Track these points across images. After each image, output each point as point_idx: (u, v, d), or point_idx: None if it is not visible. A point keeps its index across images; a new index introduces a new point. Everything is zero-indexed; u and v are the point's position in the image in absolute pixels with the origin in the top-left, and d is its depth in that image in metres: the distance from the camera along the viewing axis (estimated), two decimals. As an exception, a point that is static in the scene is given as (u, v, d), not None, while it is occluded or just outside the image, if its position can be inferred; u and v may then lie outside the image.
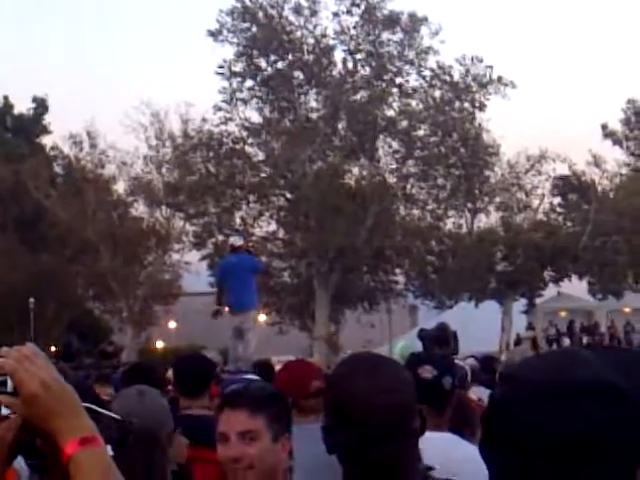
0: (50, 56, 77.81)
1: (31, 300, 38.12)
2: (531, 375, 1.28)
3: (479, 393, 7.10)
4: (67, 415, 1.78)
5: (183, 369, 5.19)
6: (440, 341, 9.02)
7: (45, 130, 48.86)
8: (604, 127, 45.92)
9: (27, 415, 1.79)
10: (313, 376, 4.18)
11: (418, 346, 9.36)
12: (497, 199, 43.21)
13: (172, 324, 49.67)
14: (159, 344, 47.16)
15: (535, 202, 44.01)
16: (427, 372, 3.67)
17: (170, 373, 8.51)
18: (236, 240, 13.87)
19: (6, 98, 48.32)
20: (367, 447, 2.12)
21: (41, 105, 48.74)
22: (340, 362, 2.40)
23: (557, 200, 44.96)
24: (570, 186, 44.45)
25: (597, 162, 44.21)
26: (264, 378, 6.23)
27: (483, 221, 43.72)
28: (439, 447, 3.11)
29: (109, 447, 1.85)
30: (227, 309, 13.21)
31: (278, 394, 3.09)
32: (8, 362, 1.78)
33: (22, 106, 48.51)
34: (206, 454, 3.61)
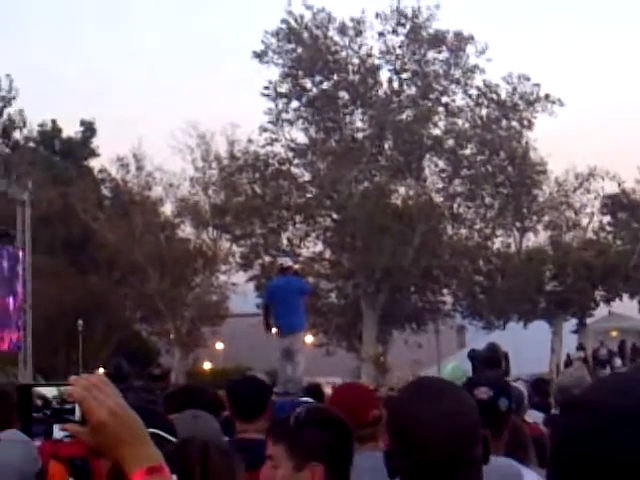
0: (98, 80, 78.58)
1: (79, 322, 38.31)
2: (615, 401, 1.19)
3: (532, 416, 6.96)
4: (134, 444, 1.78)
5: (239, 392, 5.05)
6: (491, 362, 8.82)
7: (93, 153, 49.32)
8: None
9: (95, 443, 1.79)
10: (370, 404, 4.00)
11: (468, 367, 9.17)
12: (546, 218, 42.83)
13: (219, 345, 49.68)
14: (206, 365, 47.19)
15: (584, 220, 43.58)
16: (483, 393, 3.59)
17: (221, 394, 8.44)
18: (286, 261, 13.81)
19: (54, 122, 48.85)
20: (429, 473, 2.07)
21: (89, 128, 49.21)
22: (404, 386, 2.36)
23: (607, 218, 44.45)
24: (619, 204, 43.94)
25: (646, 180, 43.66)
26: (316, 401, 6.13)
27: (532, 240, 43.39)
28: (497, 472, 3.04)
29: (175, 476, 1.84)
30: (275, 331, 13.15)
31: (319, 420, 2.95)
32: (77, 390, 1.78)
33: (70, 129, 49.03)
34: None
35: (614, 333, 45.75)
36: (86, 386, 1.80)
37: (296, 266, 15.26)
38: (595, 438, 1.17)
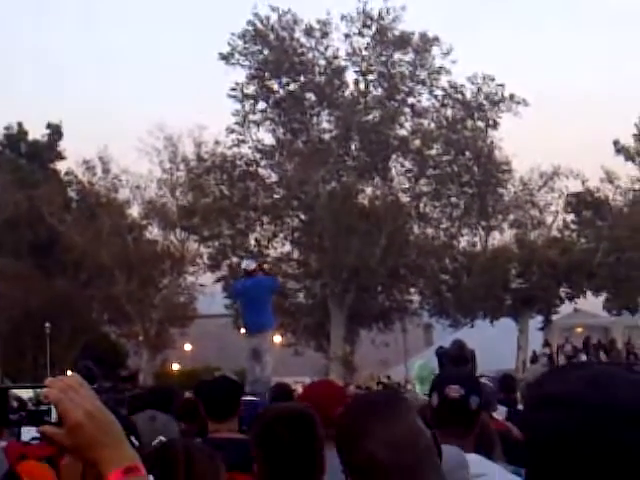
0: (65, 82, 78.18)
1: (47, 325, 38.17)
2: (588, 395, 1.25)
3: (497, 412, 7.08)
4: (111, 445, 1.78)
5: (210, 393, 5.09)
6: (459, 359, 8.92)
7: (60, 156, 48.99)
8: (616, 143, 45.80)
9: (71, 445, 1.79)
10: (336, 402, 3.94)
11: (435, 364, 9.33)
12: (511, 216, 43.15)
13: (188, 346, 49.66)
14: (175, 366, 47.17)
15: (549, 219, 43.98)
16: (454, 392, 3.63)
17: (188, 395, 8.52)
18: (249, 264, 13.77)
19: (20, 124, 48.56)
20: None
21: (56, 131, 48.94)
22: (350, 405, 2.40)
23: (571, 217, 44.84)
24: (584, 203, 44.32)
25: (610, 178, 44.08)
26: (283, 401, 6.22)
27: (497, 239, 43.71)
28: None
29: (151, 477, 1.85)
30: (243, 331, 13.27)
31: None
32: (53, 392, 1.79)
33: (37, 132, 48.76)
34: (237, 477, 3.61)
35: (579, 329, 46.16)
36: (62, 388, 1.81)
37: (265, 265, 15.34)
38: (574, 434, 1.21)
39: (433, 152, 41.76)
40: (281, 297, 40.88)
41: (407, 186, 42.54)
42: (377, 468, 2.15)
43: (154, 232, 44.28)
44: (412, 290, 44.03)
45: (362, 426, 2.23)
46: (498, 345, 39.58)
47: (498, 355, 36.47)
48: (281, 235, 42.71)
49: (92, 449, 1.77)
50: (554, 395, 1.28)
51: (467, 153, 41.15)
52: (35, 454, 4.80)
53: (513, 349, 42.66)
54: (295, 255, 43.14)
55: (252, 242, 42.21)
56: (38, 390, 1.92)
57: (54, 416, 1.82)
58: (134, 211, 44.18)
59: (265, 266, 15.08)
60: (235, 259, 41.58)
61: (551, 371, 1.43)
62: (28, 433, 6.53)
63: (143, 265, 41.21)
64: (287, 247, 43.09)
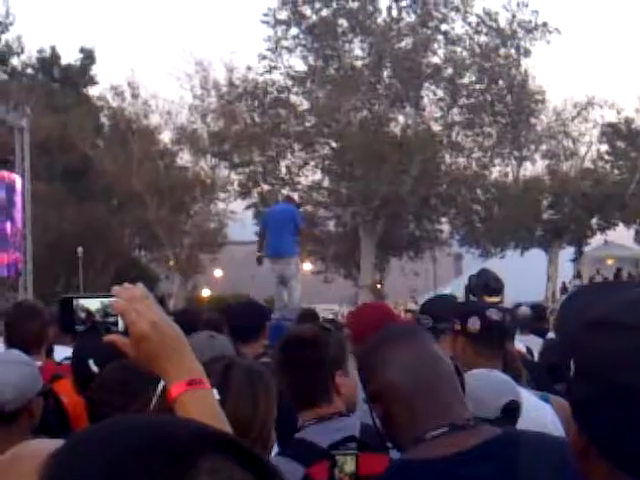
0: (97, 7, 77.90)
1: (79, 249, 38.53)
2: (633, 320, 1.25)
3: (532, 341, 7.19)
4: (175, 356, 1.81)
5: (236, 315, 5.15)
6: (492, 290, 8.94)
7: (92, 81, 49.04)
8: (653, 73, 45.14)
9: (136, 355, 1.83)
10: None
11: (462, 295, 9.36)
12: (543, 147, 42.79)
13: (218, 272, 50.04)
14: (205, 292, 47.61)
15: (582, 150, 43.59)
16: (495, 315, 3.83)
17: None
18: (289, 192, 14.21)
19: (53, 48, 48.56)
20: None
21: (88, 56, 48.90)
22: (373, 336, 2.42)
23: (604, 147, 44.46)
24: (618, 133, 43.91)
25: (645, 109, 43.57)
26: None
27: (529, 169, 43.42)
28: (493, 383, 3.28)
29: (215, 390, 1.87)
30: (268, 257, 13.40)
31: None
32: (119, 302, 1.82)
33: (70, 57, 48.71)
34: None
35: (610, 261, 46.10)
36: (128, 298, 1.82)
37: (297, 201, 15.47)
38: (621, 357, 1.22)
39: (466, 80, 41.30)
40: (311, 225, 41.08)
41: (439, 115, 42.18)
42: (396, 394, 2.20)
43: (185, 158, 44.41)
44: (443, 220, 43.95)
45: (379, 356, 2.28)
46: (528, 276, 39.60)
47: (527, 286, 36.53)
48: (312, 163, 42.57)
49: (157, 360, 1.80)
50: (600, 317, 1.28)
51: (500, 82, 40.69)
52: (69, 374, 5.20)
53: (542, 280, 42.64)
54: (326, 183, 43.06)
55: (283, 169, 42.15)
56: (105, 301, 2.00)
57: (120, 326, 1.86)
58: (165, 137, 44.32)
59: (298, 201, 15.23)
60: (266, 186, 41.70)
61: (593, 291, 1.42)
62: (61, 353, 6.58)
63: (174, 191, 41.38)
64: (318, 175, 43.00)
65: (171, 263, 42.90)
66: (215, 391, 1.87)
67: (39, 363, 4.62)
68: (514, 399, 3.23)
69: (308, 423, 3.08)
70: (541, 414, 3.40)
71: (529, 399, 3.50)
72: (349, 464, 2.93)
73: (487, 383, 3.21)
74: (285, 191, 12.85)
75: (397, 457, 2.35)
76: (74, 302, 2.07)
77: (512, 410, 3.16)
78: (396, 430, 2.23)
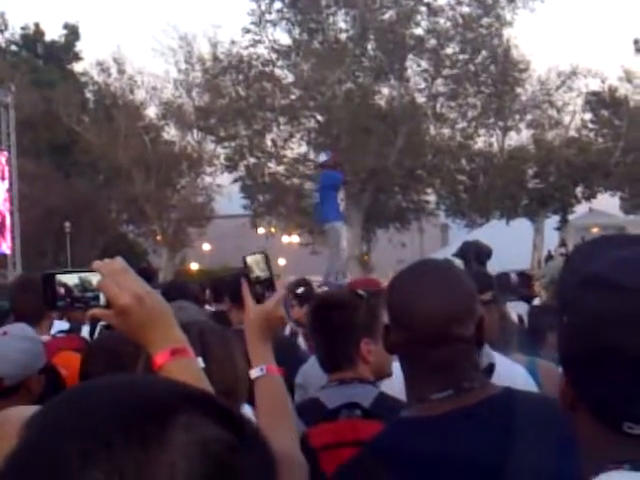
0: (79, -18, 77.56)
1: (67, 224, 38.57)
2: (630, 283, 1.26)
3: (521, 307, 7.41)
4: (159, 327, 1.84)
5: (238, 282, 5.21)
6: (481, 258, 9.10)
7: (76, 57, 48.93)
8: (636, 42, 45.20)
9: (120, 327, 1.86)
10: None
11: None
12: (528, 117, 42.84)
13: (206, 246, 50.14)
14: (194, 266, 47.73)
15: (566, 119, 43.64)
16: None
17: (208, 293, 8.84)
18: (321, 156, 14.38)
19: (37, 25, 48.42)
20: (415, 348, 2.16)
21: (73, 32, 48.78)
22: (404, 268, 2.35)
23: (589, 116, 44.57)
24: (602, 102, 43.99)
25: (629, 77, 43.63)
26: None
27: (514, 139, 43.49)
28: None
29: (200, 359, 1.94)
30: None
31: None
32: (100, 277, 1.85)
33: (54, 33, 48.58)
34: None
35: (595, 229, 46.15)
36: (109, 272, 1.83)
37: (335, 160, 15.47)
38: (618, 316, 1.24)
39: (449, 51, 41.37)
40: (297, 198, 41.21)
41: (423, 86, 42.27)
42: (414, 317, 2.16)
43: (171, 133, 44.41)
44: (428, 191, 44.08)
45: (403, 282, 2.26)
46: (513, 245, 39.76)
47: (513, 255, 36.67)
48: (298, 136, 42.63)
49: (140, 331, 1.83)
50: (595, 275, 1.29)
51: (483, 52, 40.80)
52: (69, 346, 5.13)
53: (528, 249, 42.83)
54: (312, 156, 43.14)
55: (269, 143, 42.21)
56: (83, 275, 1.98)
57: (102, 300, 1.88)
58: (151, 112, 44.30)
59: (333, 160, 15.18)
60: (252, 160, 41.78)
61: (588, 249, 1.42)
62: (56, 326, 6.70)
63: (161, 166, 41.38)
64: (304, 148, 43.08)
65: (159, 237, 42.97)
66: (200, 359, 1.96)
67: (44, 338, 4.70)
68: (491, 362, 3.33)
69: (328, 385, 3.17)
70: (513, 377, 3.36)
71: (502, 362, 3.56)
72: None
73: None
74: (320, 156, 12.80)
75: None
76: (55, 278, 2.05)
77: (487, 372, 3.18)
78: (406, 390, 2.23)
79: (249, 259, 2.42)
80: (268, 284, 2.42)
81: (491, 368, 3.31)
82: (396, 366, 2.55)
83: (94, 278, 1.89)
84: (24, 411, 1.73)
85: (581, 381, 1.32)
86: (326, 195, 13.61)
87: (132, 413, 0.90)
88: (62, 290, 2.02)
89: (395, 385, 2.46)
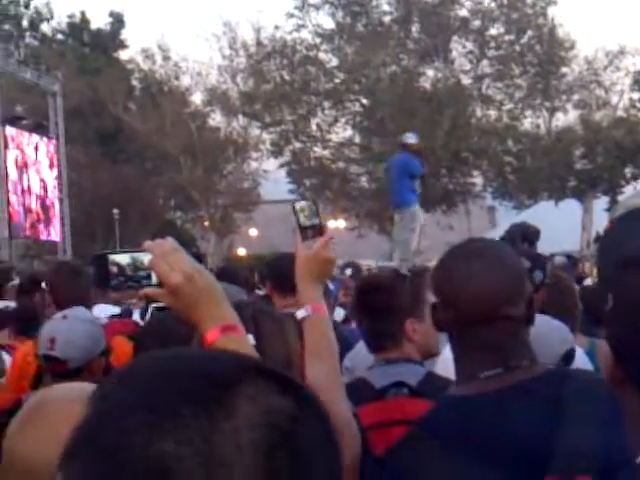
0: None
1: (115, 211, 38.91)
2: None
3: None
4: (209, 305, 1.86)
5: (281, 267, 5.01)
6: (530, 238, 9.05)
7: (122, 45, 49.19)
8: (685, 18, 44.53)
9: (172, 306, 1.90)
10: None
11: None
12: (575, 97, 42.42)
13: (253, 232, 50.26)
14: (241, 251, 47.87)
15: (614, 99, 43.16)
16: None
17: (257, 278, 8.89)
18: (406, 137, 14.04)
19: (83, 13, 48.75)
20: (464, 328, 2.17)
21: (118, 20, 49.06)
22: (451, 247, 2.36)
23: (637, 96, 43.98)
24: (650, 80, 43.42)
25: (678, 55, 43.02)
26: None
27: (561, 120, 43.10)
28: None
29: (251, 336, 1.96)
30: None
31: None
32: (152, 256, 1.87)
33: (99, 21, 48.87)
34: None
35: (644, 210, 45.80)
36: (160, 252, 1.85)
37: (418, 147, 15.16)
38: None
39: (494, 32, 41.09)
40: (344, 182, 41.19)
41: (469, 68, 42.02)
42: (462, 296, 2.16)
43: (217, 119, 44.56)
44: (475, 173, 43.84)
45: (451, 260, 2.26)
46: (562, 226, 39.43)
47: (562, 236, 36.37)
48: (343, 120, 42.57)
49: (192, 309, 1.86)
50: (637, 255, 1.30)
51: (529, 32, 40.43)
52: (123, 329, 5.31)
53: (576, 231, 42.45)
54: (357, 140, 43.09)
55: (314, 127, 42.21)
56: (135, 255, 2.01)
57: (154, 279, 1.93)
58: (197, 99, 44.48)
59: (417, 145, 14.92)
60: (298, 144, 41.81)
61: (626, 225, 1.43)
62: (104, 311, 6.75)
63: (207, 152, 41.54)
64: (349, 132, 43.03)
65: (206, 223, 43.19)
66: (250, 336, 1.98)
67: (104, 320, 4.88)
68: (572, 347, 3.29)
69: (375, 365, 3.20)
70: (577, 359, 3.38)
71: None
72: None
73: (549, 330, 3.19)
74: (405, 136, 12.41)
75: None
76: (108, 258, 2.09)
77: (569, 358, 3.20)
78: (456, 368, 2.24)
79: (297, 206, 2.49)
80: (317, 230, 2.46)
81: (571, 354, 3.27)
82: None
83: (146, 258, 1.92)
84: (62, 391, 1.77)
85: (629, 360, 1.33)
86: (402, 178, 13.32)
87: (197, 384, 0.91)
88: (115, 269, 2.06)
89: (449, 367, 2.41)
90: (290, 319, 2.54)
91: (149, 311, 6.05)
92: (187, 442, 0.87)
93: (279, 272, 4.94)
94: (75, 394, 1.63)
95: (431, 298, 2.36)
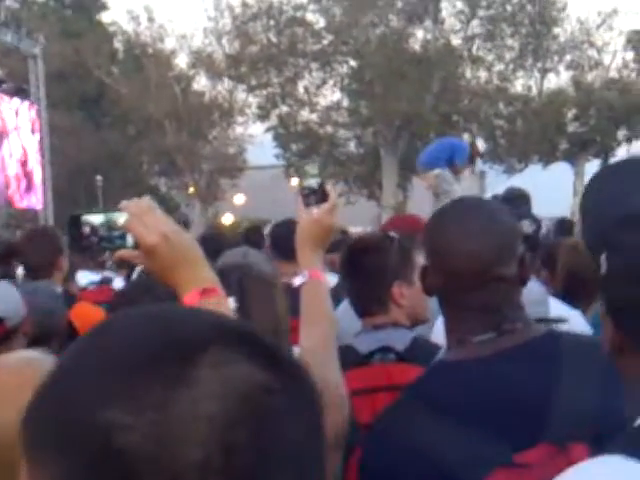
0: None
1: (98, 178, 38.49)
2: None
3: None
4: (188, 266, 1.80)
5: (282, 233, 5.06)
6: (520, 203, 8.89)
7: (104, 7, 48.69)
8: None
9: (149, 268, 1.85)
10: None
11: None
12: (567, 57, 41.98)
13: (239, 198, 49.76)
14: (227, 218, 47.38)
15: (607, 59, 42.67)
16: (527, 227, 3.92)
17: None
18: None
19: (64, -25, 48.04)
20: (455, 289, 2.10)
21: (99, -19, 48.46)
22: (442, 206, 2.30)
23: (630, 56, 43.50)
24: (643, 40, 42.93)
25: (672, 14, 42.59)
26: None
27: (553, 81, 42.65)
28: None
29: (231, 299, 1.90)
30: None
31: None
32: (127, 216, 1.81)
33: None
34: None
35: (637, 173, 45.53)
36: (136, 211, 1.79)
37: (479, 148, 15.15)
38: None
39: (485, -9, 40.57)
40: (332, 146, 40.70)
41: (459, 27, 41.44)
42: (454, 256, 2.09)
43: (202, 83, 44.00)
44: (465, 136, 43.37)
45: (441, 222, 2.21)
46: (552, 190, 39.09)
47: (553, 201, 36.04)
48: (330, 82, 42.03)
49: (169, 271, 1.80)
50: (635, 212, 1.23)
51: (520, -9, 39.93)
52: (92, 299, 5.19)
53: (568, 194, 42.11)
54: (345, 103, 42.56)
55: (301, 90, 41.69)
56: (110, 215, 1.98)
57: (130, 240, 1.85)
58: (181, 62, 43.88)
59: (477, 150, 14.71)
60: (285, 108, 41.31)
61: (624, 178, 1.39)
62: (85, 278, 6.48)
63: (192, 116, 41.09)
64: (337, 95, 42.53)
65: (191, 190, 42.77)
66: (231, 299, 1.90)
67: (60, 289, 4.69)
68: (545, 316, 3.18)
69: (361, 331, 3.09)
70: (570, 323, 3.37)
71: (557, 308, 3.53)
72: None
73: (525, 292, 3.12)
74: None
75: None
76: (81, 219, 2.06)
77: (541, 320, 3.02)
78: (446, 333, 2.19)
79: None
80: (320, 196, 2.42)
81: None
82: None
83: (121, 218, 1.82)
84: (13, 358, 1.71)
85: (629, 324, 1.30)
86: (444, 152, 12.56)
87: (156, 348, 0.86)
88: (87, 230, 2.02)
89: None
90: (281, 286, 2.56)
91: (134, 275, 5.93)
92: (136, 412, 0.82)
93: (280, 237, 5.05)
94: (24, 362, 1.62)
95: (421, 261, 2.36)
